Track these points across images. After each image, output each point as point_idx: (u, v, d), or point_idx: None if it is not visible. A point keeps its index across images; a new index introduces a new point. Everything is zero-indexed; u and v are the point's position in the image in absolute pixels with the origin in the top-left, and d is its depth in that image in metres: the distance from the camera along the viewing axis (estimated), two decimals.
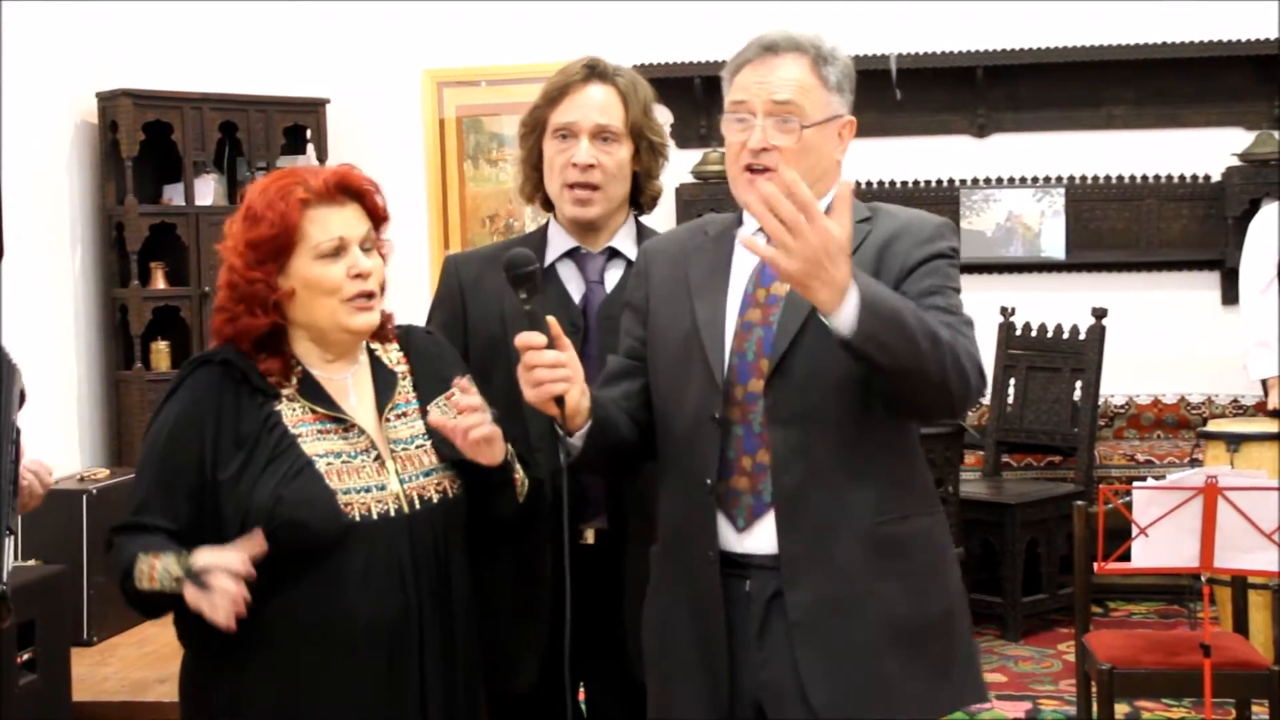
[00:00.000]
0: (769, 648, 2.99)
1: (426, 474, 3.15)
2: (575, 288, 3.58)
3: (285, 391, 3.10)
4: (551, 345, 2.91)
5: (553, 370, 2.88)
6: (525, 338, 2.90)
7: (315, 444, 3.06)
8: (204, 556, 2.85)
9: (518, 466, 3.20)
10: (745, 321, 3.03)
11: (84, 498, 7.12)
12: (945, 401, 2.92)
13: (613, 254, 3.60)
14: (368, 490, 3.05)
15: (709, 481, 2.99)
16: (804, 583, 2.96)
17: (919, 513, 3.06)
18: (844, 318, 2.67)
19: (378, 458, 3.11)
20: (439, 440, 3.15)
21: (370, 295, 3.10)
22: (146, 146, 8.23)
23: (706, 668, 3.06)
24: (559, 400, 2.90)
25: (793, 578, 2.96)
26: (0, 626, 3.37)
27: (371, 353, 3.24)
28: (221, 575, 2.81)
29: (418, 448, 3.17)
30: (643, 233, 3.67)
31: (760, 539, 2.98)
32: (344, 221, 3.07)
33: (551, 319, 2.94)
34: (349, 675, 3.02)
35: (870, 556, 2.96)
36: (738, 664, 3.03)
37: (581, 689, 3.55)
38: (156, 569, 2.91)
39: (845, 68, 3.09)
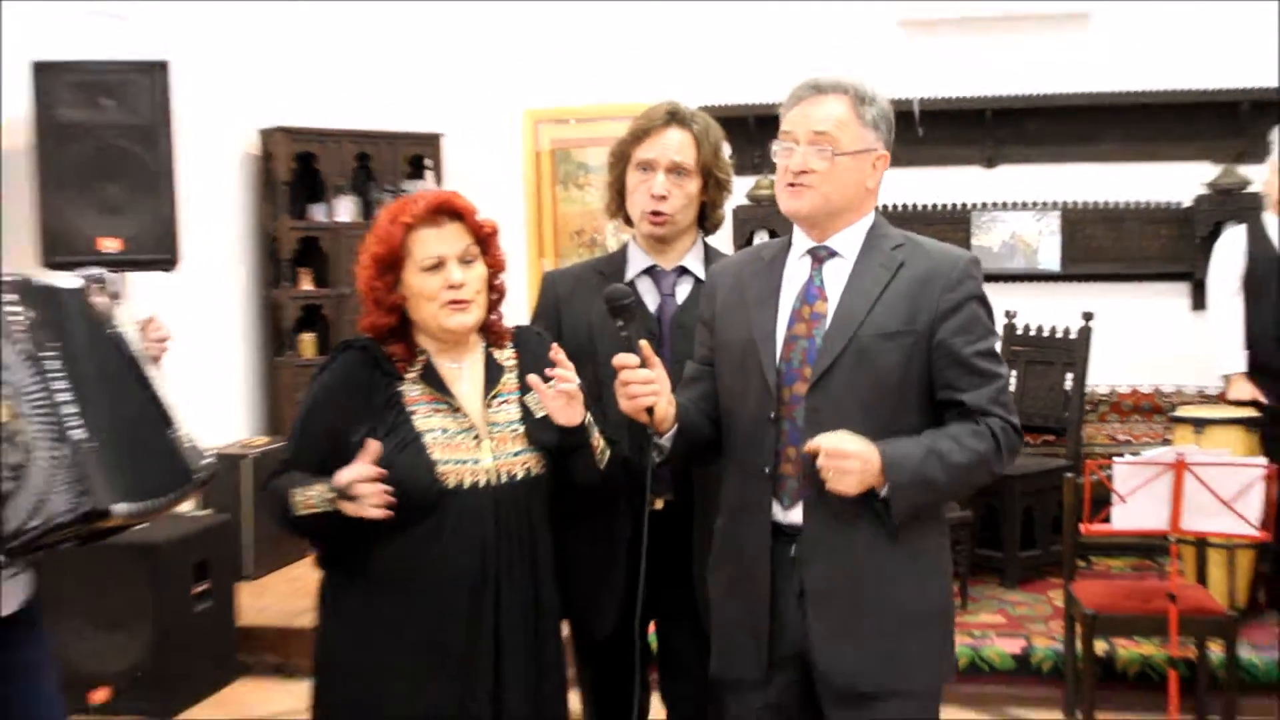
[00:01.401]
0: (803, 606, 3.04)
1: (516, 454, 3.18)
2: (651, 300, 3.61)
3: (409, 375, 3.18)
4: (643, 365, 3.00)
5: (644, 386, 2.98)
6: (622, 358, 2.99)
7: (426, 420, 3.13)
8: (342, 475, 2.96)
9: (596, 434, 3.22)
10: (792, 334, 3.06)
11: (245, 460, 7.32)
12: (993, 479, 3.12)
13: (682, 271, 3.62)
14: (463, 463, 3.11)
15: (766, 470, 3.04)
16: (820, 562, 3.00)
17: (929, 518, 3.07)
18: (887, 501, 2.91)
19: (476, 436, 3.15)
20: (531, 426, 3.21)
21: (464, 301, 3.15)
22: (297, 173, 8.37)
23: (752, 624, 3.09)
24: (649, 410, 3.00)
25: (811, 556, 3.01)
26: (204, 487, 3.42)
27: (487, 349, 3.29)
28: (362, 485, 2.92)
29: (512, 431, 3.21)
30: (709, 252, 3.69)
31: (801, 514, 3.04)
32: (442, 240, 3.14)
33: (644, 342, 3.03)
34: (432, 616, 3.09)
35: (882, 545, 2.98)
36: (783, 621, 3.06)
37: (652, 625, 3.61)
38: (311, 496, 3.03)
39: (883, 109, 3.10)
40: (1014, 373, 7.51)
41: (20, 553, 3.08)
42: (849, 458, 2.82)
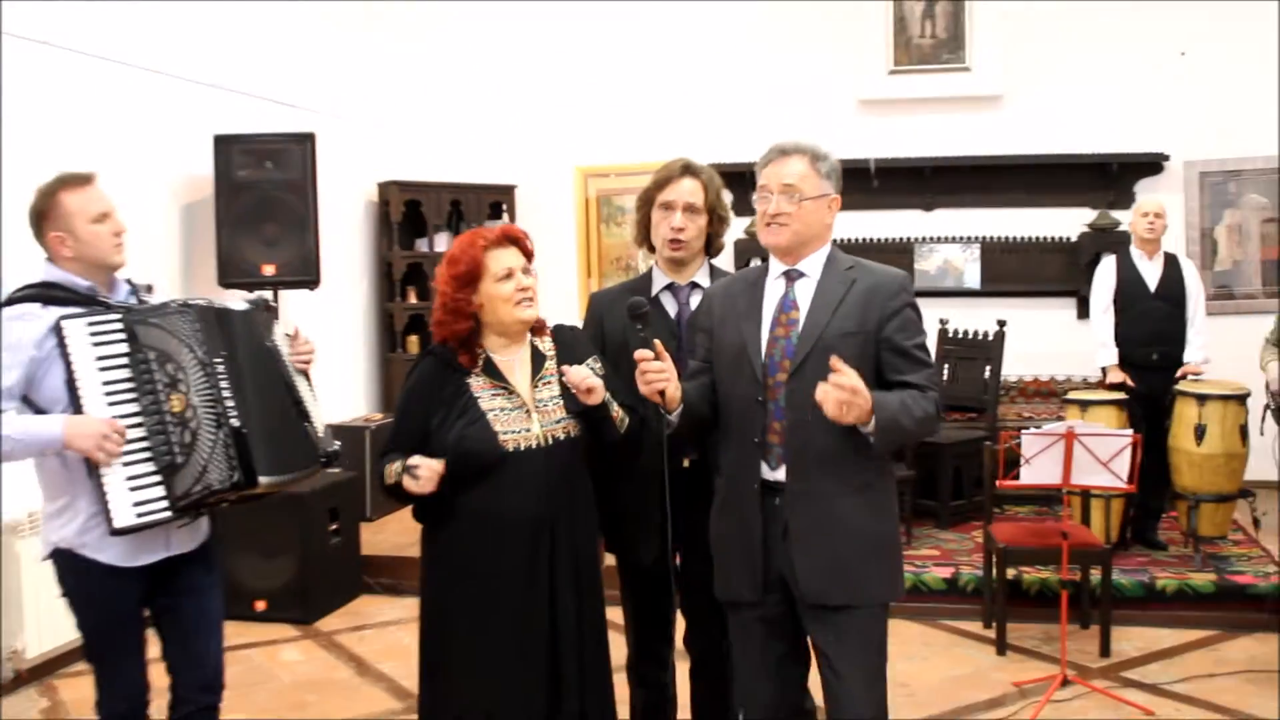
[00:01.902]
0: (787, 542, 3.04)
1: (557, 421, 3.21)
2: (672, 309, 3.59)
3: (474, 370, 3.19)
4: (658, 358, 3.01)
5: (658, 374, 2.99)
6: (641, 353, 3.01)
7: (489, 402, 3.17)
8: (414, 458, 3.07)
9: (614, 408, 3.23)
10: (774, 336, 3.07)
11: (366, 431, 7.37)
12: (928, 436, 3.22)
13: (694, 286, 3.59)
14: (518, 432, 3.15)
15: (756, 440, 3.05)
16: (800, 509, 3.01)
17: (880, 469, 3.09)
18: (872, 435, 2.90)
19: (527, 411, 3.18)
20: (566, 398, 3.22)
21: (530, 299, 3.20)
22: (406, 215, 8.40)
23: (748, 556, 3.09)
24: (662, 393, 3.01)
25: (793, 504, 3.02)
26: (328, 468, 3.53)
27: (532, 342, 3.30)
28: (424, 468, 3.02)
29: (554, 403, 3.23)
30: (714, 271, 3.66)
31: (785, 473, 3.04)
32: (509, 257, 3.19)
33: (657, 340, 3.05)
34: (503, 548, 3.14)
35: (845, 493, 3.01)
36: (770, 553, 3.06)
37: (678, 557, 3.58)
38: (391, 470, 3.13)
39: (833, 164, 3.11)
40: (946, 366, 7.52)
41: (187, 511, 3.19)
42: (859, 394, 2.81)
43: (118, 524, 3.09)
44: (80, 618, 3.32)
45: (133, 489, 3.10)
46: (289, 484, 3.39)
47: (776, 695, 3.18)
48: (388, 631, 5.93)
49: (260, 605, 6.10)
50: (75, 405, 3.10)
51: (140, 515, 3.10)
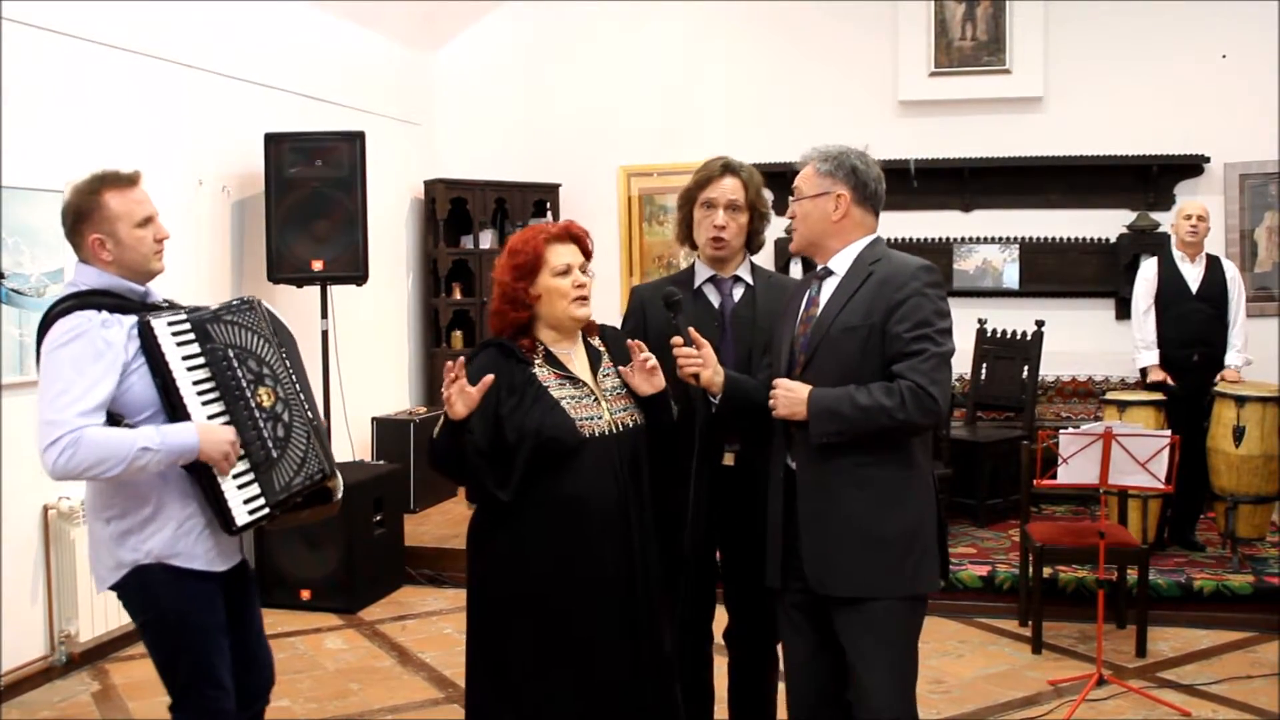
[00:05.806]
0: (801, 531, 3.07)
1: (624, 409, 3.21)
2: (715, 301, 3.60)
3: (536, 361, 3.17)
4: (690, 344, 3.12)
5: (689, 360, 3.13)
6: (674, 340, 3.15)
7: (559, 391, 3.14)
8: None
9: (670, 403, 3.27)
10: (796, 334, 3.14)
11: (411, 424, 7.42)
12: (912, 432, 2.99)
13: (736, 279, 3.62)
14: (592, 418, 3.14)
15: (784, 432, 3.12)
16: (807, 498, 3.04)
17: (891, 463, 3.00)
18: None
19: (595, 399, 3.18)
20: (628, 390, 3.25)
21: (585, 298, 3.19)
22: (451, 213, 8.42)
23: (772, 543, 3.16)
24: (697, 377, 3.14)
25: (802, 493, 3.05)
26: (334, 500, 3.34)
27: (584, 337, 3.31)
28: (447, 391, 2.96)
29: (616, 393, 3.24)
30: (754, 266, 3.68)
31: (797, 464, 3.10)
32: (569, 253, 3.18)
33: (692, 329, 3.16)
34: (584, 531, 3.09)
35: (848, 485, 2.99)
36: (798, 539, 3.06)
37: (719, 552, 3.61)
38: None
39: (842, 163, 3.07)
40: (984, 365, 7.52)
41: (283, 506, 3.08)
42: (778, 389, 3.01)
43: (240, 523, 2.99)
44: (176, 638, 3.07)
45: (239, 487, 3.01)
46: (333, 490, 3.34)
47: (811, 682, 3.19)
48: (430, 622, 5.92)
49: (305, 594, 6.17)
50: (173, 409, 2.96)
51: (251, 513, 3.01)
